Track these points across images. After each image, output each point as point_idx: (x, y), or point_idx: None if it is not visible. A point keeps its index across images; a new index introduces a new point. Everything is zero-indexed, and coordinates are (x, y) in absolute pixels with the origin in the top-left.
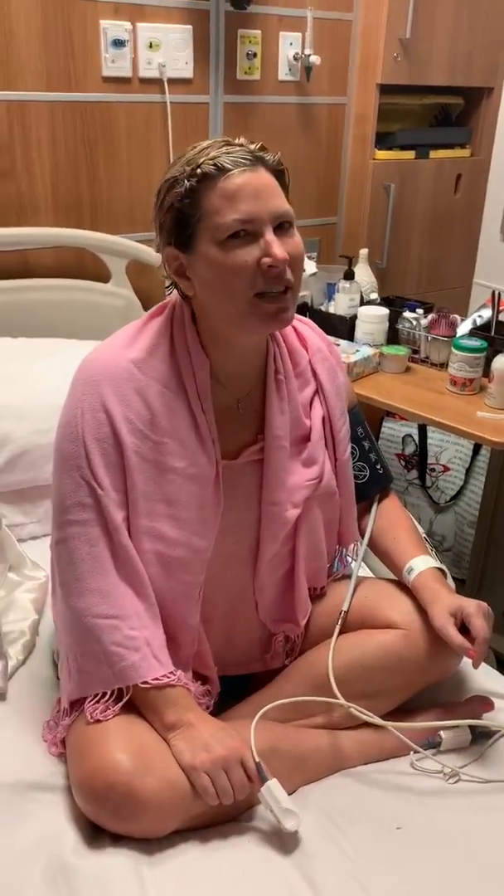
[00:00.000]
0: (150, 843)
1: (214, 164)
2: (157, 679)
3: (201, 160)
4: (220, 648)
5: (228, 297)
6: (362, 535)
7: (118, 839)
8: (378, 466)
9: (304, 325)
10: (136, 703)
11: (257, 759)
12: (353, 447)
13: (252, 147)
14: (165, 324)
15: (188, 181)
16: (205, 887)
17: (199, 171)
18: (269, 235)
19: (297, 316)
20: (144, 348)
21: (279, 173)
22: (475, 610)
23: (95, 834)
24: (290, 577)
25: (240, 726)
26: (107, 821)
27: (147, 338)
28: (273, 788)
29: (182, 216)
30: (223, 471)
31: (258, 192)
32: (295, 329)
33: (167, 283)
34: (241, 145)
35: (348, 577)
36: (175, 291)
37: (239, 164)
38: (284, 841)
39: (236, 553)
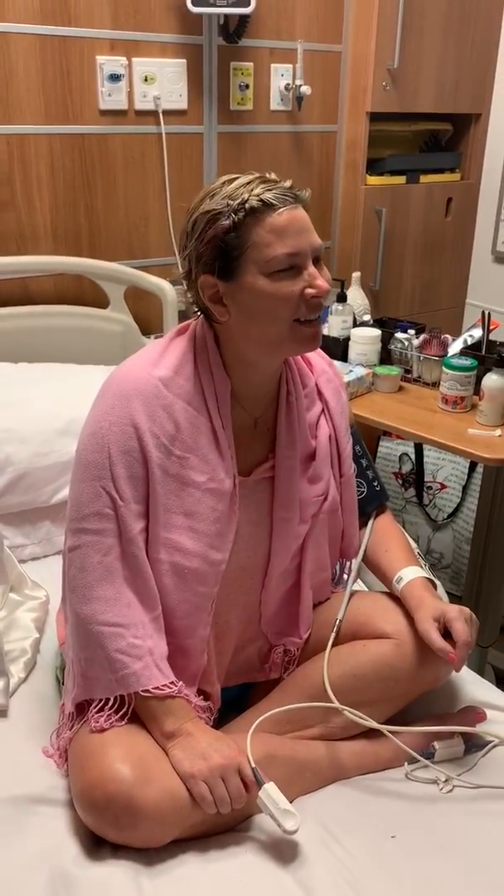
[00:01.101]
0: (149, 854)
1: (261, 201)
2: (158, 688)
3: (246, 196)
4: (221, 660)
5: (271, 322)
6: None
7: (118, 850)
8: (375, 483)
9: None
10: (137, 711)
11: (253, 765)
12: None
13: (287, 185)
14: (188, 344)
15: (235, 215)
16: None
17: (247, 206)
18: (312, 269)
19: None
20: (170, 367)
21: (307, 208)
22: (456, 614)
23: (96, 846)
24: (295, 591)
25: (237, 737)
26: (107, 831)
27: (173, 356)
28: (270, 791)
29: (226, 247)
30: (238, 486)
31: (302, 228)
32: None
33: (194, 308)
34: (275, 181)
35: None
36: (201, 315)
37: (285, 201)
38: (281, 850)
39: (248, 567)
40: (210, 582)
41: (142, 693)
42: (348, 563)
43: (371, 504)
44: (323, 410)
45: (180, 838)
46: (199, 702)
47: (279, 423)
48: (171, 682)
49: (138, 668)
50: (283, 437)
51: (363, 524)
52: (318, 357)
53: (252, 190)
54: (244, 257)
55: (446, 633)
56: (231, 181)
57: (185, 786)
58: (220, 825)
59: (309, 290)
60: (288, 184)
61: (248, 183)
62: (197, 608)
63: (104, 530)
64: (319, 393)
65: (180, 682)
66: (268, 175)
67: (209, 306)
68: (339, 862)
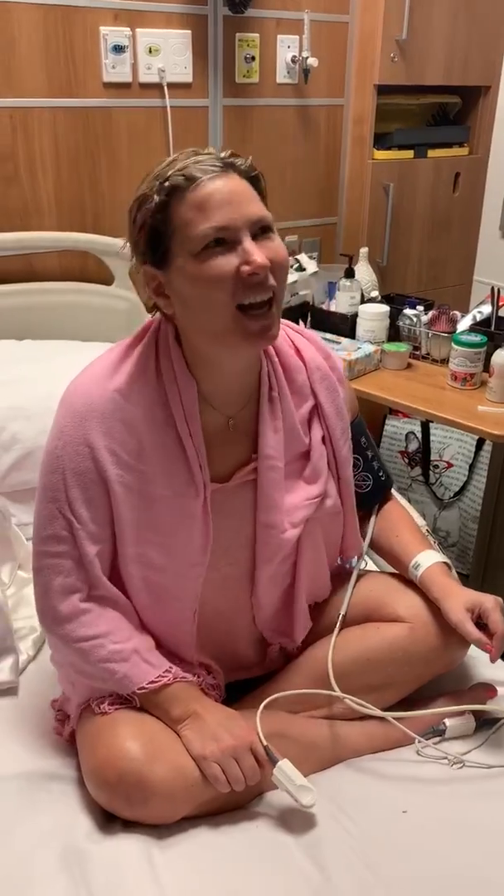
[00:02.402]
0: (160, 828)
1: (183, 175)
2: (152, 682)
3: (169, 173)
4: (219, 657)
5: (209, 311)
6: (363, 537)
7: (130, 825)
8: (381, 474)
9: (303, 337)
10: (142, 705)
11: (265, 743)
12: (356, 458)
13: (222, 154)
14: (149, 347)
15: (157, 196)
16: (215, 870)
17: (167, 184)
18: (247, 242)
19: (296, 327)
20: (128, 375)
21: (253, 179)
22: (493, 605)
23: (108, 820)
24: (290, 593)
25: (247, 714)
26: (119, 808)
27: (131, 363)
28: (285, 768)
29: (155, 233)
30: (215, 494)
31: (231, 198)
32: (293, 343)
33: (150, 304)
34: (209, 153)
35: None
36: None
37: (208, 171)
38: (292, 826)
39: (232, 574)
40: (188, 595)
41: (137, 692)
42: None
43: (377, 496)
44: (315, 408)
45: (192, 815)
46: (206, 679)
47: (261, 423)
48: (165, 671)
49: (127, 670)
50: (267, 438)
51: (368, 516)
52: (311, 350)
53: (176, 165)
54: (173, 240)
55: (479, 622)
56: (164, 160)
57: (198, 767)
58: (231, 802)
59: (245, 268)
60: (224, 153)
61: (174, 159)
62: (177, 620)
63: (62, 553)
64: (312, 390)
65: (174, 668)
66: (201, 149)
67: (154, 299)
68: (351, 837)
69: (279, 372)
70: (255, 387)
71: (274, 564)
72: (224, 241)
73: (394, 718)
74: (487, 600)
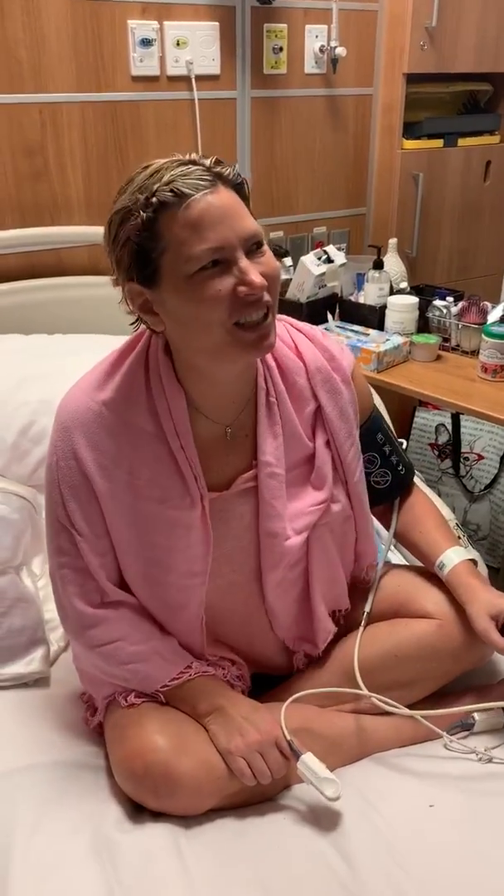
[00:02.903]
0: (188, 818)
1: (171, 191)
2: (174, 679)
3: (155, 187)
4: (246, 658)
5: (204, 330)
6: (387, 528)
7: (158, 815)
8: (400, 468)
9: (305, 336)
10: (169, 702)
11: (289, 738)
12: (373, 455)
13: (208, 163)
14: (139, 358)
15: (144, 212)
16: (242, 861)
17: (154, 199)
18: (243, 262)
19: (298, 325)
20: (117, 387)
21: (238, 187)
22: None
23: (136, 810)
24: (305, 598)
25: (273, 707)
26: (146, 799)
27: (120, 375)
28: (308, 761)
29: (142, 250)
30: (214, 503)
31: (223, 215)
32: (294, 342)
33: (133, 319)
34: (194, 162)
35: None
36: (143, 326)
37: (199, 187)
38: (320, 818)
39: (238, 581)
40: (192, 602)
41: (161, 689)
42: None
43: (397, 489)
44: (318, 411)
45: (219, 807)
46: (231, 671)
47: (259, 429)
48: (187, 667)
49: (149, 670)
50: (266, 445)
51: (390, 509)
52: (312, 350)
53: (162, 178)
54: (163, 259)
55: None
56: (147, 168)
57: (224, 761)
58: (258, 795)
59: (241, 289)
60: (208, 162)
61: (159, 170)
62: (186, 628)
63: (69, 564)
64: (314, 393)
65: (195, 663)
66: (188, 156)
67: (141, 316)
68: (378, 830)
69: (276, 377)
70: (250, 394)
71: (280, 571)
72: (219, 261)
73: (421, 717)
74: None
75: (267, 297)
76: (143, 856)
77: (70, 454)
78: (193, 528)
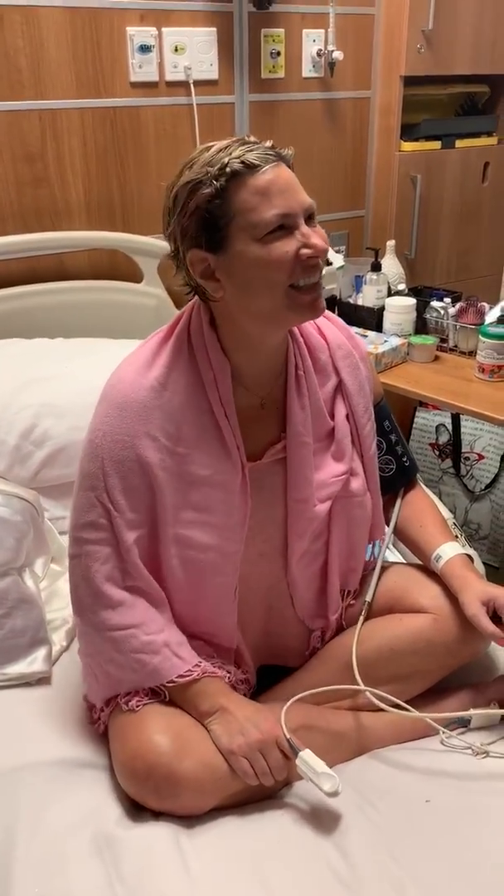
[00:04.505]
0: (189, 817)
1: (242, 162)
2: (181, 676)
3: (226, 160)
4: (259, 644)
5: (267, 291)
6: (387, 523)
7: (159, 813)
8: (404, 458)
9: (326, 319)
10: (171, 698)
11: (288, 736)
12: (379, 441)
13: (268, 144)
14: (182, 335)
15: (216, 181)
16: (242, 858)
17: (227, 170)
18: (305, 228)
19: None
20: (164, 365)
21: (292, 169)
22: None
23: (138, 808)
24: (323, 573)
25: (274, 707)
26: (148, 799)
27: (166, 354)
28: (306, 757)
29: (211, 217)
30: (250, 472)
31: (287, 186)
32: (316, 324)
33: (188, 290)
34: (256, 142)
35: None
36: (196, 298)
37: (267, 160)
38: (318, 815)
39: (266, 551)
40: (228, 571)
41: (167, 685)
42: (378, 544)
43: (400, 480)
44: (339, 386)
45: (220, 806)
46: (236, 675)
47: (289, 401)
48: (195, 665)
49: (157, 663)
50: (295, 416)
51: (392, 501)
52: (333, 329)
53: (231, 153)
54: (232, 225)
55: (494, 615)
56: (208, 148)
57: (227, 761)
58: (258, 794)
59: (304, 251)
60: (269, 143)
61: (227, 147)
62: (218, 598)
63: (100, 540)
64: (335, 368)
65: (203, 663)
66: (246, 137)
67: (202, 283)
68: (375, 827)
69: (304, 351)
70: (283, 367)
71: (305, 540)
72: (284, 226)
73: (416, 712)
74: (501, 595)
75: (321, 263)
76: (144, 853)
77: (121, 430)
78: (235, 494)
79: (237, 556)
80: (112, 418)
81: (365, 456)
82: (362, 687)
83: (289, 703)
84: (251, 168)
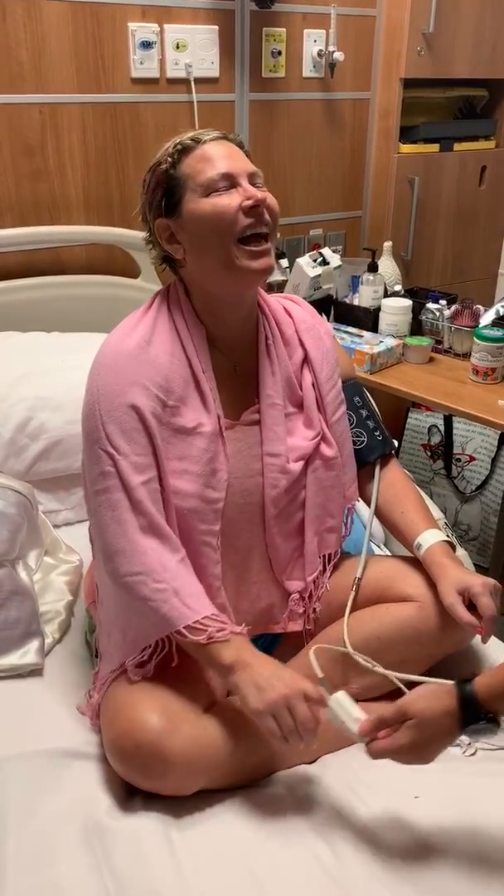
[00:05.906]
0: (178, 807)
1: (191, 139)
2: (198, 625)
3: (178, 140)
4: (239, 605)
5: (217, 243)
6: (367, 503)
7: (149, 803)
8: (377, 433)
9: (293, 302)
10: (193, 655)
11: (320, 674)
12: (349, 414)
13: (217, 131)
14: (162, 306)
15: (171, 158)
16: (230, 848)
17: (179, 146)
18: (247, 185)
19: (291, 297)
20: (149, 326)
21: (240, 146)
22: (481, 588)
23: (128, 798)
24: (300, 530)
25: (291, 664)
26: (136, 778)
27: (150, 319)
28: (341, 699)
29: (168, 187)
30: (228, 431)
31: (230, 154)
32: (284, 306)
33: (160, 263)
34: (208, 129)
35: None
36: (171, 274)
37: (211, 135)
38: (306, 807)
39: (246, 507)
40: (210, 519)
41: (181, 637)
42: (349, 511)
43: (374, 452)
44: (304, 358)
45: (208, 789)
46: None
47: (261, 368)
48: (213, 615)
49: (166, 611)
50: (266, 380)
51: (369, 474)
52: (299, 309)
53: (183, 137)
54: (184, 188)
55: (471, 604)
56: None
57: (255, 722)
58: (246, 777)
59: (246, 202)
60: (217, 132)
61: (180, 135)
62: (201, 545)
63: (109, 487)
64: (300, 341)
65: (217, 615)
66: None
67: (168, 250)
68: (364, 822)
69: (272, 324)
70: (254, 337)
71: (281, 496)
72: (228, 185)
73: (397, 678)
74: (475, 584)
75: (267, 217)
76: (133, 843)
77: (113, 382)
78: (214, 445)
79: (218, 503)
80: (103, 376)
81: (328, 421)
82: (350, 650)
83: (313, 647)
84: (197, 141)
